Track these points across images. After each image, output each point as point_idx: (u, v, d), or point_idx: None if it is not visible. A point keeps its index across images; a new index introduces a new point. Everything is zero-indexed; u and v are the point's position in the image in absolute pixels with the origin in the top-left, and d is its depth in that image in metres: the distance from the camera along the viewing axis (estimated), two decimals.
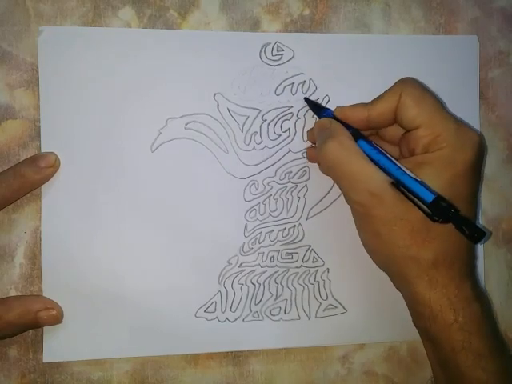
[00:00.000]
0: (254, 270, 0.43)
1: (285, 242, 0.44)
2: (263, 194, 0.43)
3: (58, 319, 0.40)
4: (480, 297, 0.37)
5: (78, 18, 0.42)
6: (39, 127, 0.41)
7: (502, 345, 0.38)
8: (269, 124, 0.43)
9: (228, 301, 0.43)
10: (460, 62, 0.46)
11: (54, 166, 0.40)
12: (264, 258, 0.43)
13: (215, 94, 0.43)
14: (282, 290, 0.43)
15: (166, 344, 0.42)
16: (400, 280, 0.38)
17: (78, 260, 0.41)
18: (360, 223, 0.38)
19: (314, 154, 0.43)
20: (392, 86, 0.39)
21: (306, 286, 0.44)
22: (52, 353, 0.41)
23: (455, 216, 0.34)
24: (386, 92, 0.39)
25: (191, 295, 0.42)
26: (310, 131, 0.44)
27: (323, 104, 0.44)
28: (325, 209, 0.44)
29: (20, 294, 0.42)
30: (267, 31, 0.44)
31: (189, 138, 0.42)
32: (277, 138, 0.44)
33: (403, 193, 0.35)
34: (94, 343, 0.41)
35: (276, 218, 0.43)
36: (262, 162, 0.43)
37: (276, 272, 0.43)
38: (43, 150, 0.41)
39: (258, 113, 0.43)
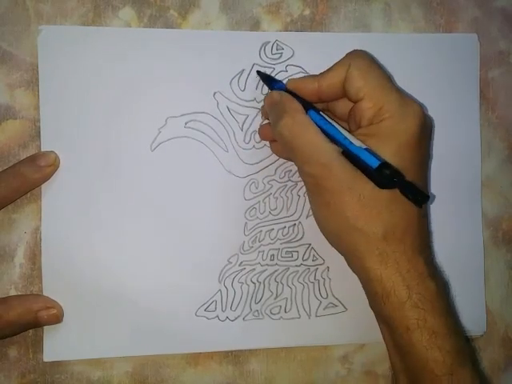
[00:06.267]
0: (254, 269, 0.43)
1: (285, 240, 0.43)
2: (263, 193, 0.43)
3: (58, 318, 0.40)
4: (435, 274, 0.36)
5: (78, 18, 0.42)
6: (39, 127, 0.41)
7: (457, 325, 0.36)
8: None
9: (228, 300, 0.43)
10: (460, 60, 0.46)
11: (54, 164, 0.40)
12: (264, 257, 0.43)
13: (215, 93, 0.43)
14: (282, 289, 0.43)
15: (167, 343, 0.42)
16: (351, 256, 0.37)
17: (78, 260, 0.41)
18: (311, 196, 0.38)
19: (266, 131, 0.42)
20: (342, 58, 0.39)
21: (306, 285, 0.44)
22: (52, 352, 0.41)
23: (400, 181, 0.34)
24: (335, 63, 0.39)
25: (191, 294, 0.42)
26: (262, 107, 0.43)
27: None
28: None
29: (20, 293, 0.42)
30: (267, 31, 0.44)
31: (188, 136, 0.43)
32: None
33: (351, 161, 0.35)
34: (94, 343, 0.41)
35: (276, 217, 0.43)
36: (262, 160, 0.43)
37: (276, 271, 0.43)
38: (43, 150, 0.41)
39: (258, 111, 0.43)
